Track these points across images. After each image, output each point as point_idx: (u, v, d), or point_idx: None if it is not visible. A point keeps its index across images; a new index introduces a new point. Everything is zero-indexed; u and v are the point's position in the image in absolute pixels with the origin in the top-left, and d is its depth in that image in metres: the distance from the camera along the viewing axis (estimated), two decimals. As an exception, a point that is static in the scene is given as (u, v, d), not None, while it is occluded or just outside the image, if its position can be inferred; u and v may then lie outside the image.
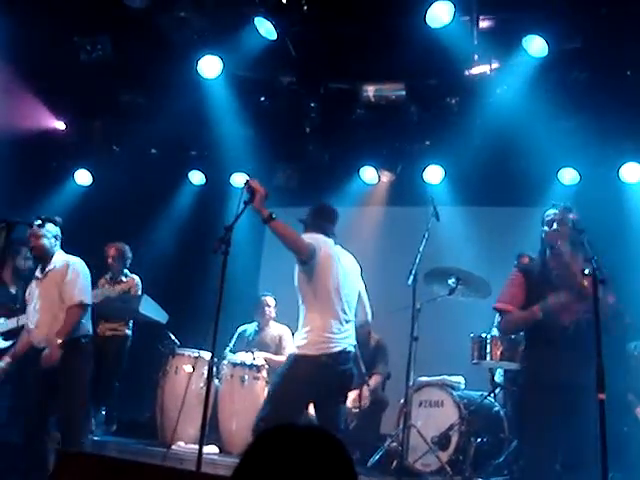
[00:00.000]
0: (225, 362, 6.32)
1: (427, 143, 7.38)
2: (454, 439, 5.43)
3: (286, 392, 3.94)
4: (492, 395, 5.75)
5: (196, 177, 8.26)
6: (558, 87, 6.07)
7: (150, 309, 6.38)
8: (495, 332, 5.56)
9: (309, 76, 6.73)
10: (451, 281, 5.55)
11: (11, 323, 5.51)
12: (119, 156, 7.85)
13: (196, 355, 6.31)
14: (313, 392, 3.95)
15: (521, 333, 4.52)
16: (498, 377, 5.92)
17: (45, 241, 4.76)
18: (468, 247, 6.93)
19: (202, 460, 3.42)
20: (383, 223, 8.05)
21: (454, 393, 5.72)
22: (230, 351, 6.58)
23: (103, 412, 6.49)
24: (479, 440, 5.44)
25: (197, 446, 3.57)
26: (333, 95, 6.84)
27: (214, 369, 4.02)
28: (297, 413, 3.95)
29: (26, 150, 7.20)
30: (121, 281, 6.63)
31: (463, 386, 6.05)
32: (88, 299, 4.78)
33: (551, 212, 3.86)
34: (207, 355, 6.14)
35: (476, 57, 6.22)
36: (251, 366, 6.20)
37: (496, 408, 5.71)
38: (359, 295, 4.33)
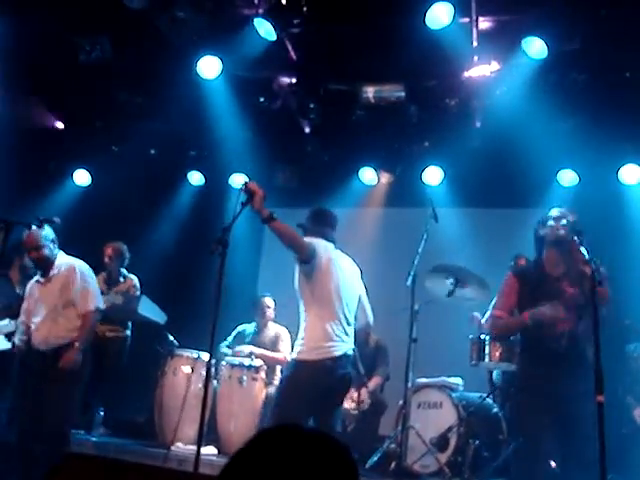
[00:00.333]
0: (223, 363, 6.32)
1: (426, 144, 7.38)
2: (453, 440, 5.43)
3: (290, 397, 3.94)
4: (491, 396, 5.75)
5: (195, 177, 8.26)
6: (557, 89, 6.07)
7: (148, 310, 6.38)
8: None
9: (309, 77, 6.73)
10: (450, 282, 5.54)
11: (16, 324, 5.48)
12: (118, 156, 7.84)
13: (195, 356, 6.30)
14: (317, 396, 3.95)
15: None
16: (496, 378, 5.92)
17: (46, 251, 4.74)
18: (467, 248, 6.92)
19: (200, 461, 3.41)
20: (382, 224, 8.05)
21: (453, 394, 5.72)
22: (227, 347, 6.58)
23: (102, 413, 6.48)
24: (478, 441, 5.43)
25: (195, 447, 3.56)
26: (333, 96, 6.84)
27: (212, 370, 4.02)
28: (302, 417, 3.93)
29: (25, 150, 7.19)
30: (119, 282, 6.63)
31: (462, 387, 6.05)
32: (102, 304, 4.84)
33: (556, 210, 3.79)
34: (205, 356, 6.14)
35: (475, 58, 6.22)
36: (249, 367, 6.20)
37: (495, 409, 5.71)
38: (359, 299, 4.32)
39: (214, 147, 7.62)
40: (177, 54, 6.40)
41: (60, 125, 7.84)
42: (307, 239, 4.05)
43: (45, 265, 4.79)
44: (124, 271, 6.71)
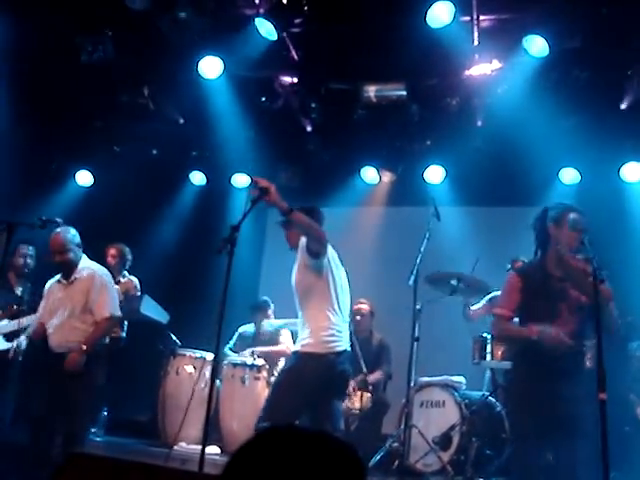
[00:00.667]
0: (226, 362, 6.33)
1: (428, 143, 7.38)
2: (455, 439, 5.42)
3: (289, 389, 3.93)
4: (493, 395, 5.75)
5: (197, 177, 8.26)
6: (559, 87, 6.07)
7: (151, 309, 6.38)
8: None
9: (310, 76, 6.74)
10: (453, 281, 5.55)
11: (14, 325, 5.50)
12: (120, 157, 7.86)
13: (197, 355, 6.31)
14: (316, 390, 3.95)
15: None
16: (499, 377, 5.92)
17: (71, 255, 4.74)
18: (469, 247, 6.92)
19: (205, 460, 3.42)
20: (384, 223, 8.05)
21: (455, 393, 5.72)
22: (230, 349, 6.59)
23: (105, 413, 6.49)
24: (480, 440, 5.43)
25: (198, 446, 3.58)
26: (334, 95, 6.84)
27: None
28: (298, 411, 3.94)
29: (27, 151, 7.20)
30: (119, 282, 6.63)
31: (464, 386, 6.04)
32: (118, 311, 4.83)
33: (576, 215, 3.69)
34: (208, 355, 6.15)
35: (477, 57, 6.22)
36: (252, 366, 6.21)
37: (497, 408, 5.71)
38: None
39: (216, 147, 7.63)
40: (179, 54, 6.41)
41: (62, 126, 7.84)
42: None
43: (68, 268, 4.79)
44: (125, 272, 6.71)
